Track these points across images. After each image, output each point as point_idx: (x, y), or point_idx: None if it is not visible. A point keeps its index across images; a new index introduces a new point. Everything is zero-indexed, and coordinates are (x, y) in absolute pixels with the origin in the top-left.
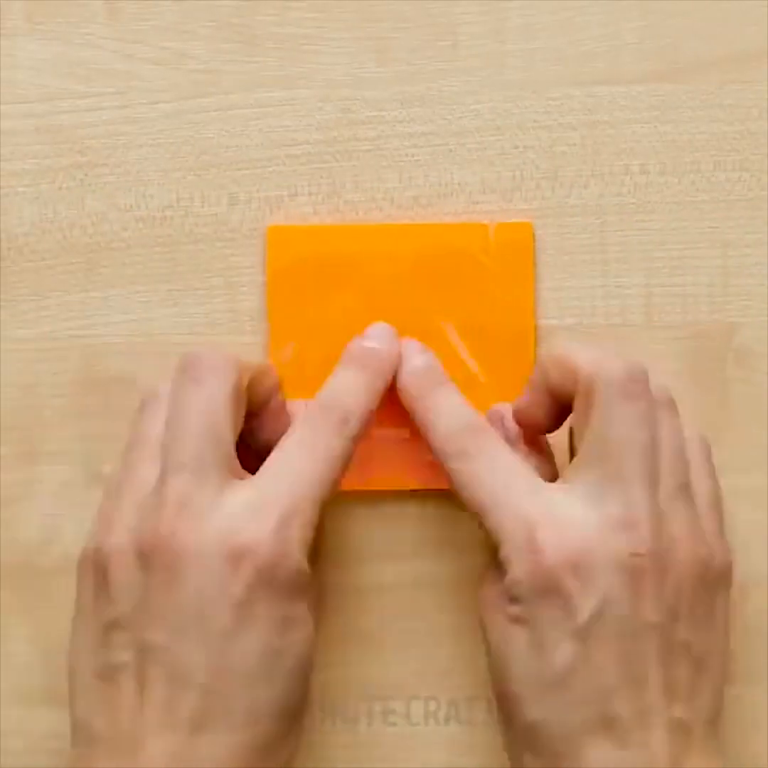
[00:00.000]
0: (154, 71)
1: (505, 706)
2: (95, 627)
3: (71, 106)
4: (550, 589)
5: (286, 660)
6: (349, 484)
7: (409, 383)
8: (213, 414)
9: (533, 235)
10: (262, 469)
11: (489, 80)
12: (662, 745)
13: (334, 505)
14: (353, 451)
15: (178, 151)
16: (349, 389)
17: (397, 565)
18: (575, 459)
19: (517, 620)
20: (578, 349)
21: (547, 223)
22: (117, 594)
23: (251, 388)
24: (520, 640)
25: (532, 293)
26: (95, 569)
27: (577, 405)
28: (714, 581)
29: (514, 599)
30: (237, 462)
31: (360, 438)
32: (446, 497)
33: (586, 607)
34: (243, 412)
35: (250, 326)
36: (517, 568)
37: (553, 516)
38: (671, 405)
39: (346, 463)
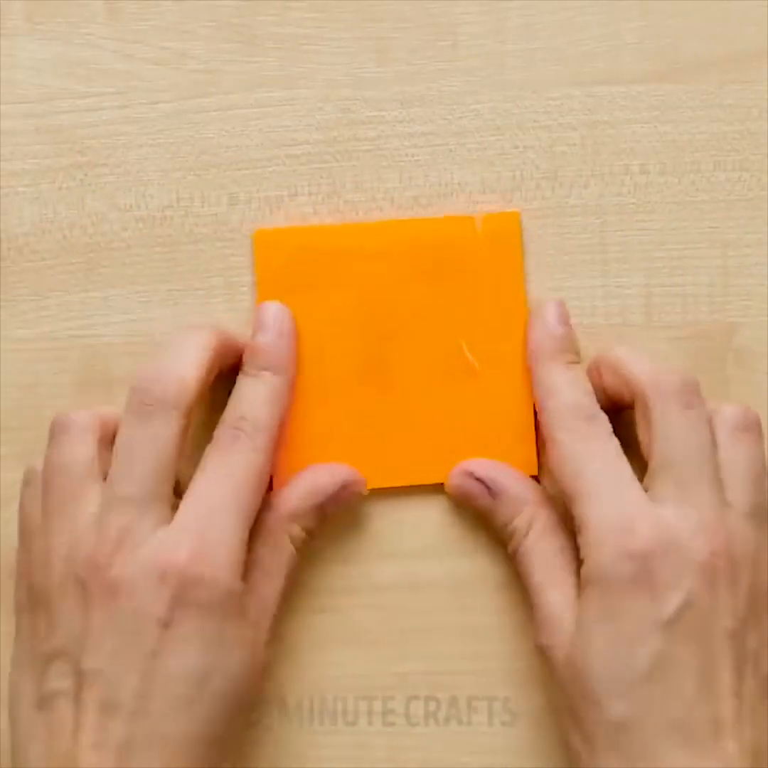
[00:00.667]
0: (154, 71)
1: (582, 707)
2: (35, 658)
3: (71, 106)
4: (641, 574)
5: (215, 682)
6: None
7: (542, 346)
8: (160, 453)
9: (520, 224)
10: (185, 495)
11: (489, 80)
12: (735, 757)
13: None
14: (268, 459)
15: (178, 151)
16: (250, 401)
17: (397, 565)
18: (648, 470)
19: (599, 610)
20: (633, 360)
21: (547, 223)
22: (55, 626)
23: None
24: (603, 634)
25: (522, 281)
26: (35, 602)
27: (639, 419)
28: None
29: (597, 584)
30: (172, 494)
31: (272, 443)
32: (448, 498)
33: (673, 599)
34: (186, 442)
35: (250, 326)
36: (607, 552)
37: (649, 509)
38: (752, 428)
39: (263, 473)
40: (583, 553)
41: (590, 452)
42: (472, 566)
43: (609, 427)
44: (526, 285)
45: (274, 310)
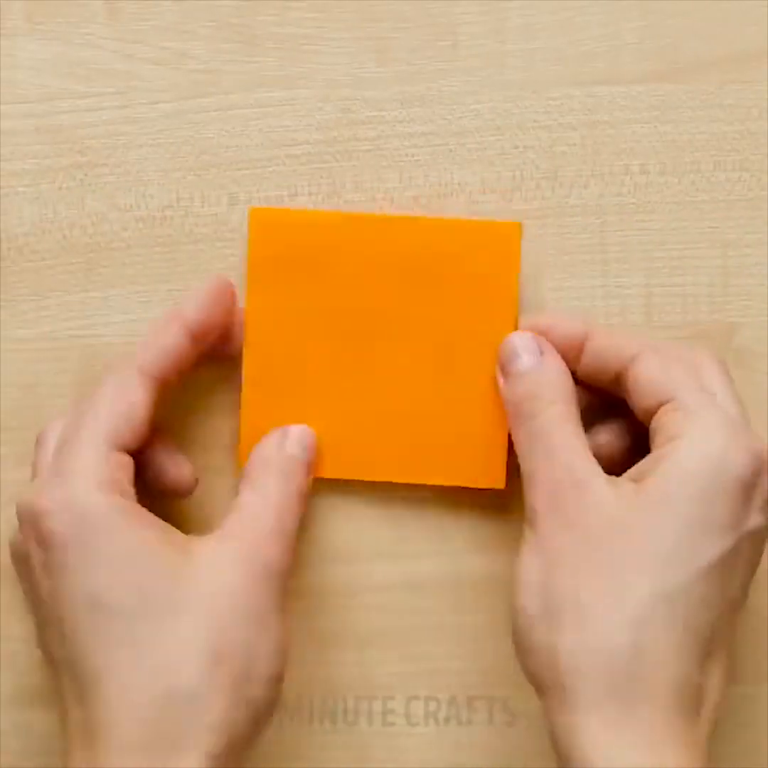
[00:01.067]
0: (154, 71)
1: (621, 576)
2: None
3: (71, 106)
4: (753, 474)
5: (114, 605)
6: (333, 472)
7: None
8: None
9: (520, 235)
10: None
11: (489, 80)
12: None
13: (336, 506)
14: (140, 384)
15: (178, 151)
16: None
17: (396, 565)
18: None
19: (683, 498)
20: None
21: (547, 223)
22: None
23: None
24: (682, 515)
25: (516, 291)
26: None
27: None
28: None
29: (710, 471)
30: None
31: (144, 369)
32: (448, 498)
33: (760, 517)
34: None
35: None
36: (727, 441)
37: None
38: None
39: (132, 394)
40: (685, 428)
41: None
42: (472, 566)
43: None
44: (526, 286)
45: (212, 278)
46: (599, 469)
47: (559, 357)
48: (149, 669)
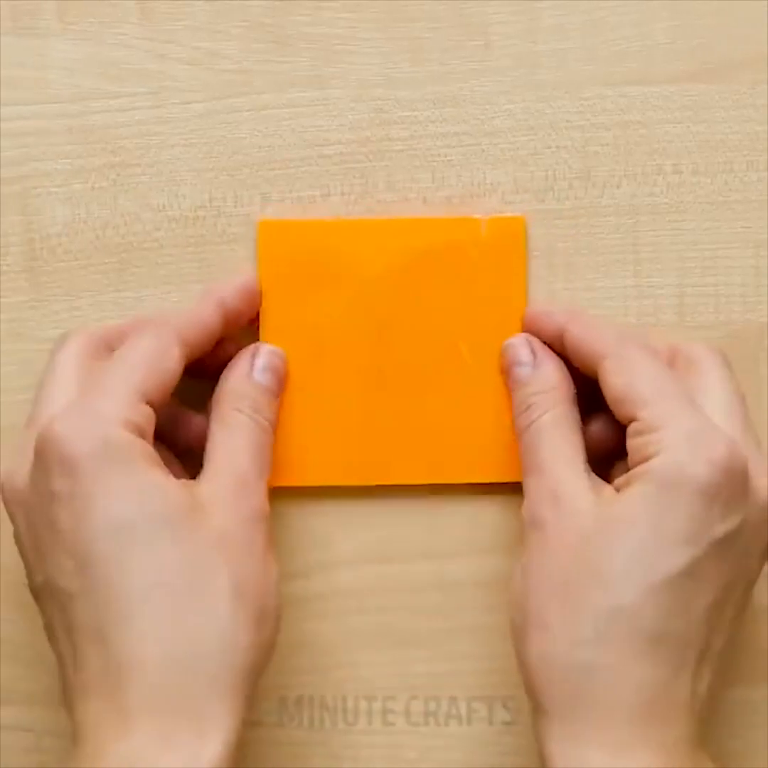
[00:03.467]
0: (186, 71)
1: (582, 586)
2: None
3: (104, 106)
4: (713, 484)
5: (139, 532)
6: (346, 479)
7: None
8: (52, 380)
9: (525, 229)
10: None
11: (521, 80)
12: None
13: (336, 506)
14: (174, 346)
15: (210, 151)
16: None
17: (397, 566)
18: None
19: (650, 510)
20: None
21: (579, 223)
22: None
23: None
24: (643, 528)
25: (524, 286)
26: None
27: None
28: None
29: (661, 480)
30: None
31: (175, 332)
32: (448, 499)
33: (730, 521)
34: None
35: None
36: (688, 452)
37: (718, 427)
38: None
39: (165, 354)
40: (650, 451)
41: (645, 362)
42: (469, 568)
43: None
44: (559, 286)
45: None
46: (585, 479)
47: (553, 359)
48: (178, 604)
